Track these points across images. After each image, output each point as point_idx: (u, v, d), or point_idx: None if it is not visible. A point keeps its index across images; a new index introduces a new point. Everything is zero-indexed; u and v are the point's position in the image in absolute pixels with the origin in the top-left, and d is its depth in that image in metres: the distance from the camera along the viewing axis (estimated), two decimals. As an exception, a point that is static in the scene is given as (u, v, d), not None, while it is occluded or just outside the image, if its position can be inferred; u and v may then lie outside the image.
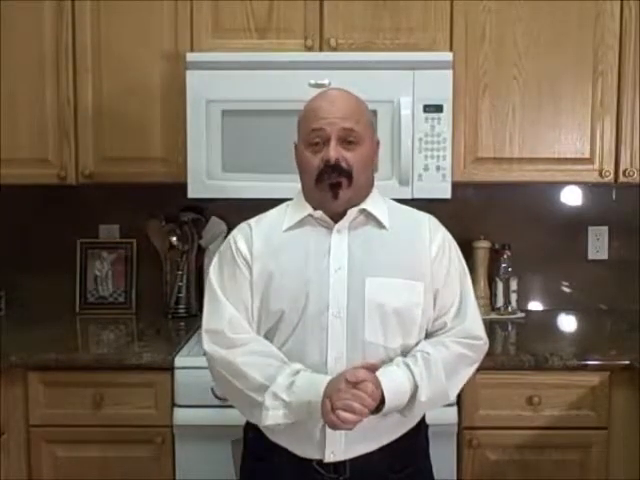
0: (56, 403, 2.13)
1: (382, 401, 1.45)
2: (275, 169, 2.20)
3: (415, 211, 1.68)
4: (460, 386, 1.60)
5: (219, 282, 1.60)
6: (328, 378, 1.47)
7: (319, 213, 1.58)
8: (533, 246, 2.75)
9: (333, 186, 1.53)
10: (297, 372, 1.49)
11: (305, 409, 1.46)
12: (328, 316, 1.52)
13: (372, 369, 1.47)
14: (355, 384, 1.42)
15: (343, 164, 1.52)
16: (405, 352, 1.56)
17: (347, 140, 1.53)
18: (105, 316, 2.69)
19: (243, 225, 1.66)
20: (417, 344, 1.57)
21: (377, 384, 1.45)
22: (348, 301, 1.52)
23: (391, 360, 1.54)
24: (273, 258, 1.57)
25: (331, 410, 1.41)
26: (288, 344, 1.54)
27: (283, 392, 1.46)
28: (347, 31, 2.38)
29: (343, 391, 1.42)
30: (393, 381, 1.47)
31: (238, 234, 1.64)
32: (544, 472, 2.12)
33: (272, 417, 1.47)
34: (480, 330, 1.61)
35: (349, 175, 1.53)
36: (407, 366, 1.50)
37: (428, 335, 1.60)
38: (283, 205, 1.67)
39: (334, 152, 1.52)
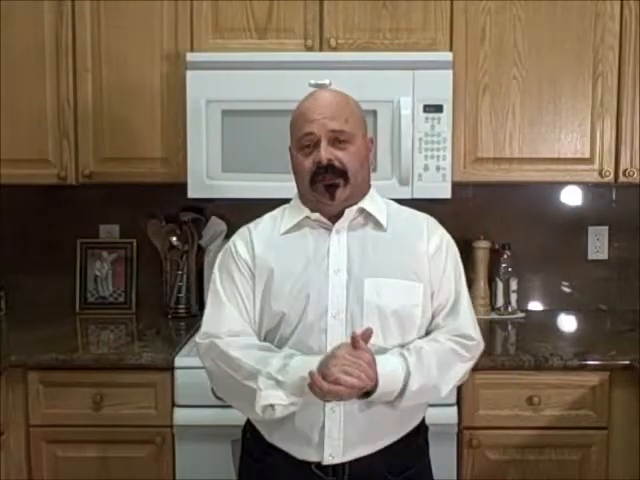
0: (56, 403, 2.13)
1: (374, 387, 1.44)
2: (275, 169, 2.20)
3: (414, 212, 1.68)
4: (453, 383, 1.58)
5: (222, 286, 1.60)
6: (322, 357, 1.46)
7: (316, 215, 1.58)
8: (533, 246, 2.75)
9: (329, 187, 1.52)
10: (292, 356, 1.48)
11: (299, 386, 1.43)
12: (327, 318, 1.51)
13: (368, 334, 1.44)
14: (359, 338, 1.41)
15: (336, 163, 1.52)
16: None
17: (338, 140, 1.53)
18: (105, 316, 2.69)
19: (242, 229, 1.66)
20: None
21: (373, 358, 1.43)
22: (347, 303, 1.52)
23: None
24: (273, 260, 1.57)
25: (325, 367, 1.39)
26: (288, 345, 1.53)
27: (277, 373, 1.45)
28: (347, 31, 2.38)
29: (340, 357, 1.40)
30: (387, 365, 1.46)
31: (238, 238, 1.64)
32: (544, 472, 2.12)
33: (265, 397, 1.44)
34: (472, 330, 1.60)
35: (344, 174, 1.53)
36: (401, 355, 1.50)
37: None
38: (280, 208, 1.67)
39: (325, 153, 1.51)
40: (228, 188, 2.32)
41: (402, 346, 1.54)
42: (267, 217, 1.67)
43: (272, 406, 1.45)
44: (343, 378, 1.37)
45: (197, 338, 1.60)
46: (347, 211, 1.57)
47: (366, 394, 1.45)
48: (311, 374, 1.38)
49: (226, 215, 2.70)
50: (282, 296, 1.54)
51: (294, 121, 1.58)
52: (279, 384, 1.45)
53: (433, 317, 1.59)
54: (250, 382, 1.47)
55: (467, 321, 1.60)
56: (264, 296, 1.56)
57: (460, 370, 1.58)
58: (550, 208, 2.77)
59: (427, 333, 1.60)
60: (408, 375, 1.47)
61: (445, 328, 1.58)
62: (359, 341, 1.42)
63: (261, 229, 1.63)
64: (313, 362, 1.44)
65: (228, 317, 1.56)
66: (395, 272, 1.55)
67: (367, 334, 1.44)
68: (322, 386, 1.37)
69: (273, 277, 1.55)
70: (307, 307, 1.52)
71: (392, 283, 1.54)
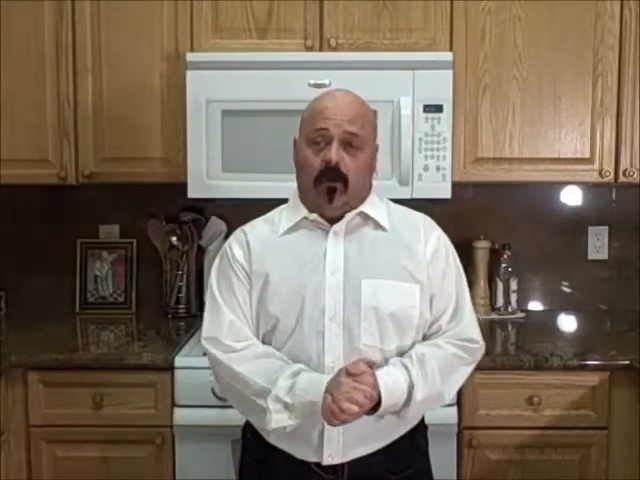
0: (56, 403, 2.13)
1: (379, 401, 1.45)
2: (275, 169, 2.20)
3: (411, 212, 1.67)
4: (456, 388, 1.59)
5: (218, 290, 1.60)
6: (329, 377, 1.46)
7: (314, 216, 1.57)
8: (533, 246, 2.75)
9: (329, 190, 1.51)
10: (298, 373, 1.48)
11: (308, 409, 1.46)
12: (325, 319, 1.51)
13: (370, 365, 1.46)
14: (355, 375, 1.42)
15: (342, 167, 1.51)
16: (401, 354, 1.55)
17: (350, 144, 1.52)
18: (105, 316, 2.69)
19: (237, 232, 1.65)
20: (413, 345, 1.56)
21: (375, 381, 1.44)
22: (344, 304, 1.52)
23: (387, 362, 1.53)
24: (269, 263, 1.56)
25: (332, 402, 1.40)
26: (285, 348, 1.54)
27: (285, 395, 1.46)
28: (347, 31, 2.38)
29: (344, 384, 1.41)
30: (390, 379, 1.46)
31: (233, 241, 1.63)
32: (544, 472, 2.12)
33: (276, 420, 1.47)
34: (476, 333, 1.60)
35: (345, 180, 1.51)
36: (403, 365, 1.50)
37: (424, 338, 1.59)
38: (277, 210, 1.66)
39: (335, 154, 1.50)
40: (228, 188, 2.32)
41: (401, 354, 1.54)
42: (261, 220, 1.66)
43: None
44: (346, 405, 1.39)
45: (202, 342, 1.60)
46: (348, 215, 1.56)
47: (372, 409, 1.45)
48: (323, 399, 1.42)
49: (226, 215, 2.70)
50: (278, 299, 1.54)
51: (310, 114, 1.56)
52: (288, 407, 1.46)
53: (435, 320, 1.59)
54: (259, 400, 1.49)
55: (470, 324, 1.60)
56: (260, 299, 1.56)
57: (463, 375, 1.59)
58: (550, 208, 2.76)
59: (430, 336, 1.59)
60: (412, 386, 1.48)
61: (449, 333, 1.57)
62: (359, 366, 1.43)
63: (257, 232, 1.62)
64: (319, 381, 1.45)
65: (227, 322, 1.56)
66: (392, 273, 1.54)
67: (369, 364, 1.46)
68: (331, 421, 1.41)
69: (269, 280, 1.55)
70: (304, 309, 1.52)
71: (389, 284, 1.53)
